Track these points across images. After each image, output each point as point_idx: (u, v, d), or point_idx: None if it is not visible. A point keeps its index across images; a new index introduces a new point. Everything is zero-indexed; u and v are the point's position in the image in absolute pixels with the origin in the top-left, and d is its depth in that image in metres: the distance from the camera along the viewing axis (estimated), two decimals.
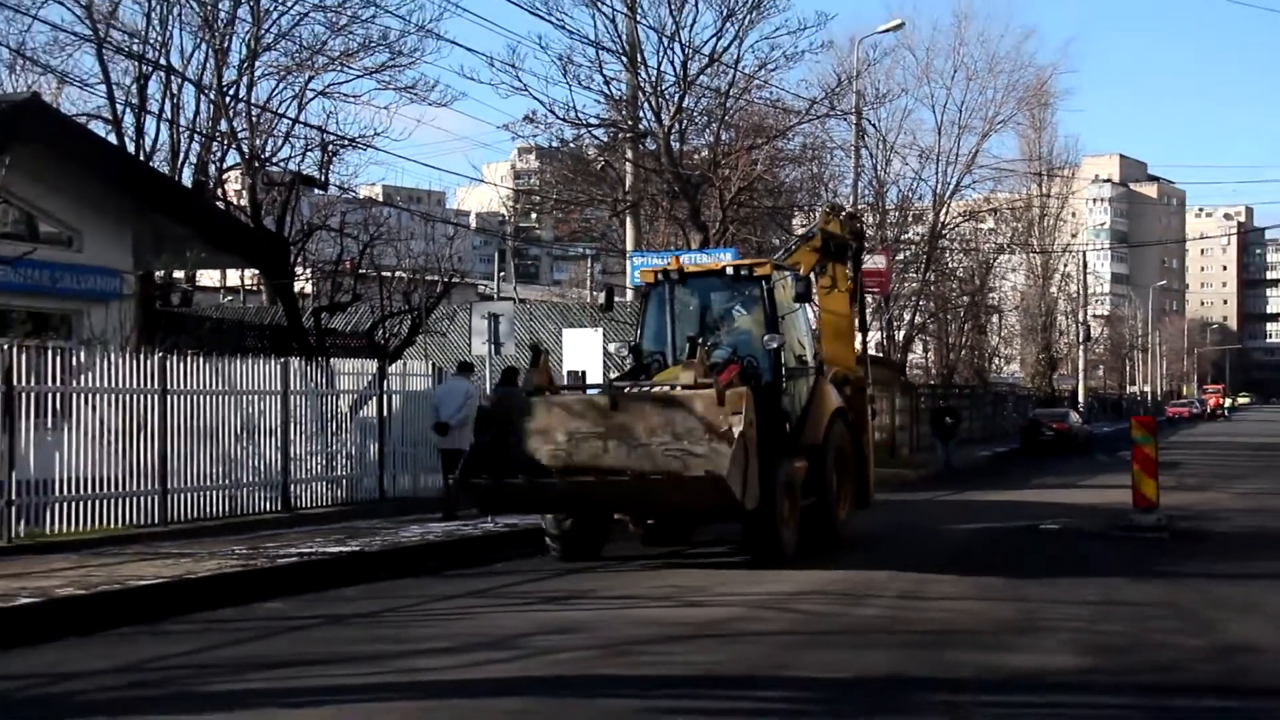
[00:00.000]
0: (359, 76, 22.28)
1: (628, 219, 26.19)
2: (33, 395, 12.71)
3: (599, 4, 23.91)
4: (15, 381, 12.38)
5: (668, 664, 7.54)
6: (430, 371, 18.49)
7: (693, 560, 12.89)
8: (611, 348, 14.03)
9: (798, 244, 15.49)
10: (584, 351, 19.66)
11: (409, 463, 17.37)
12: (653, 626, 8.72)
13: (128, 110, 20.50)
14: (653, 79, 24.82)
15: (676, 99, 24.92)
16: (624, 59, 24.40)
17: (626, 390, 11.61)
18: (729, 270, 13.28)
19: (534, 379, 11.90)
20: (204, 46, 20.46)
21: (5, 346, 12.76)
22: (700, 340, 12.26)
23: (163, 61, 20.37)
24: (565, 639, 8.52)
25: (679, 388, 11.22)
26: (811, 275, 14.66)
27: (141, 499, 13.41)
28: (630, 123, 25.30)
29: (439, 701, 6.95)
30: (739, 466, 10.37)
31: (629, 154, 25.54)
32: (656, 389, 11.62)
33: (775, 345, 12.57)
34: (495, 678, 7.54)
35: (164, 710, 6.89)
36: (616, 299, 15.49)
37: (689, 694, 6.85)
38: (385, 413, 16.98)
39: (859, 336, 16.22)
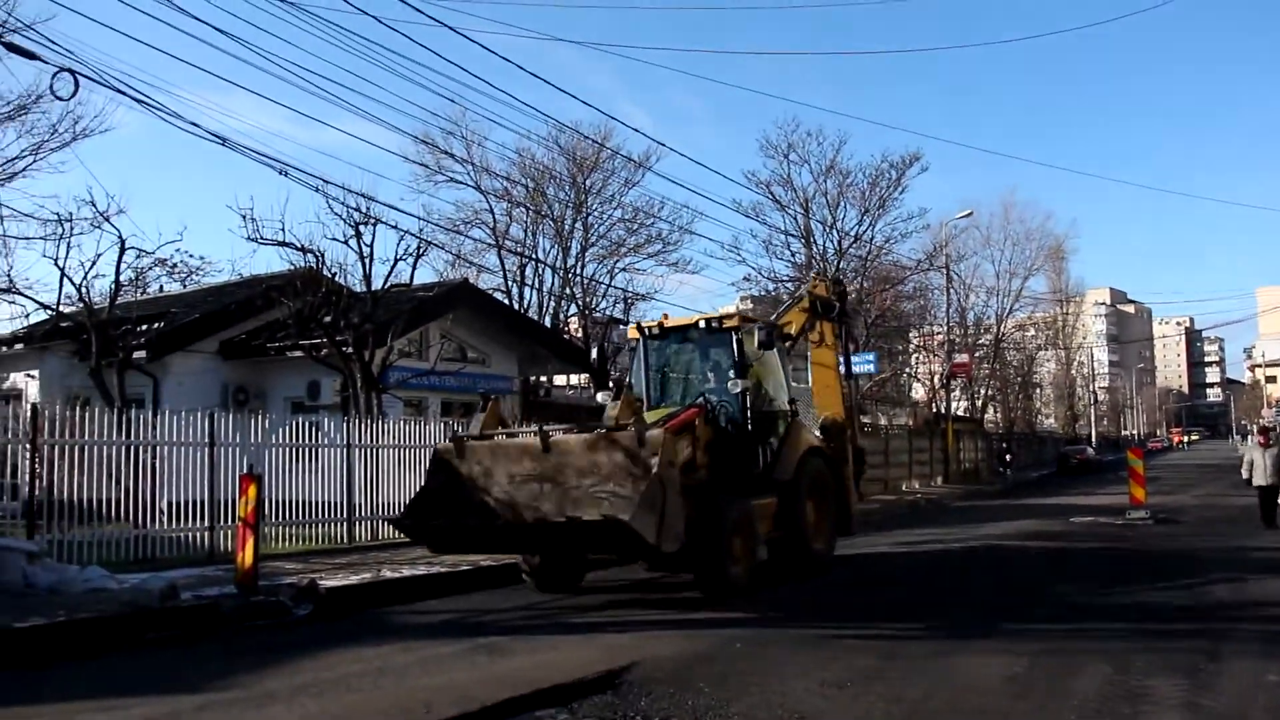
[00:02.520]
0: (645, 258, 35.94)
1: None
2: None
3: (786, 209, 37.15)
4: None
5: None
6: None
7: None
8: (601, 396, 13.43)
9: (789, 305, 15.80)
10: None
11: None
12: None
13: (514, 284, 33.51)
14: (820, 251, 37.42)
15: (835, 262, 36.69)
16: (802, 240, 37.17)
17: (552, 433, 10.45)
18: (701, 324, 13.00)
19: (482, 424, 11.23)
20: (556, 247, 33.01)
21: (448, 422, 18.54)
22: (684, 391, 13.04)
23: (532, 255, 32.68)
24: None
25: (602, 430, 10.23)
26: (797, 330, 15.01)
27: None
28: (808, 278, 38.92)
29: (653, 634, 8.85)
30: (650, 508, 9.23)
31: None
32: (582, 433, 10.56)
33: (738, 390, 12.23)
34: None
35: (551, 632, 9.29)
36: None
37: None
38: None
39: (845, 384, 16.63)
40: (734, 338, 12.73)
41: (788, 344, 14.78)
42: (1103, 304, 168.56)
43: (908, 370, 49.23)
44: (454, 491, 10.61)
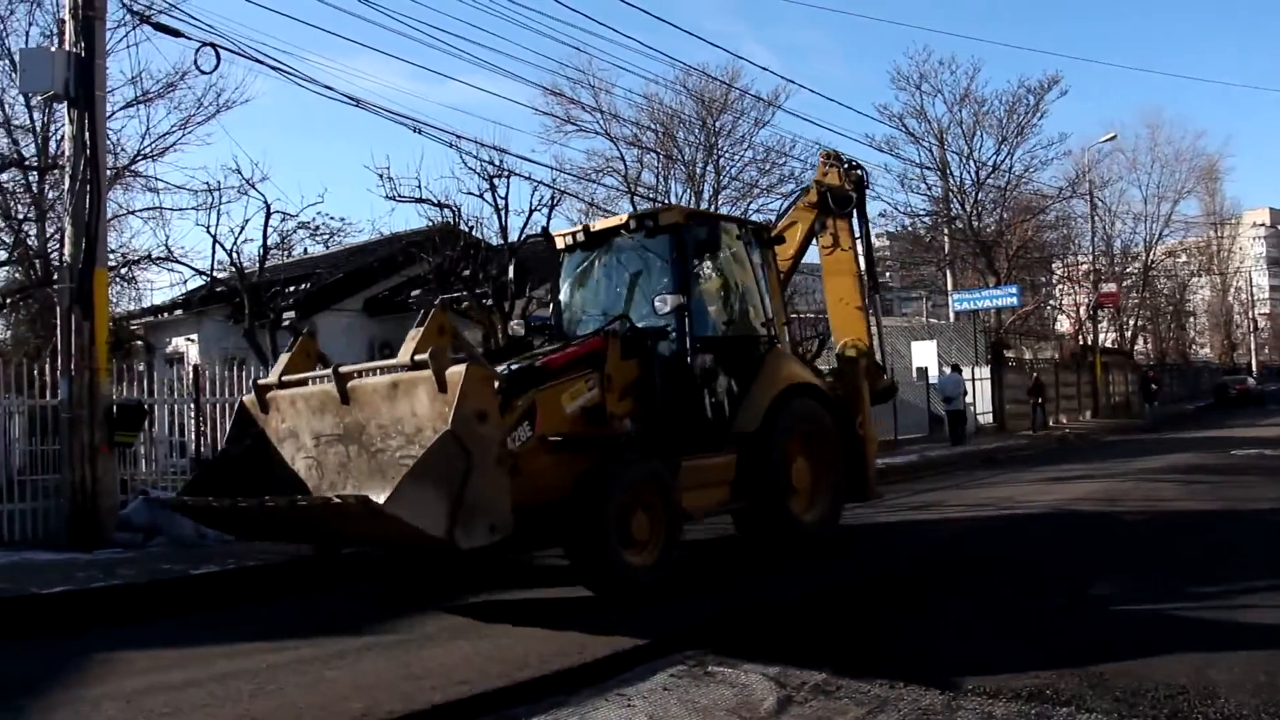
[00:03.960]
0: (779, 198, 34.19)
1: (947, 271, 38.90)
2: None
3: (920, 142, 36.06)
4: None
5: None
6: None
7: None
8: (514, 325, 11.06)
9: (794, 201, 12.73)
10: (925, 356, 29.83)
11: None
12: None
13: None
14: (957, 183, 36.51)
15: (973, 195, 35.99)
16: (937, 172, 36.30)
17: (353, 375, 7.64)
18: (631, 224, 9.98)
19: (284, 365, 8.36)
20: (688, 190, 32.70)
21: None
22: (621, 311, 9.70)
23: (664, 200, 32.42)
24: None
25: (402, 369, 7.31)
26: (803, 233, 12.21)
27: None
28: (945, 211, 37.36)
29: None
30: (427, 484, 6.30)
31: (945, 230, 37.49)
32: (385, 373, 7.61)
33: (668, 308, 9.18)
34: (883, 556, 10.52)
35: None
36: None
37: None
38: None
39: (869, 300, 12.67)
40: (673, 240, 9.62)
41: (788, 255, 12.02)
42: (1262, 225, 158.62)
43: (1052, 302, 47.71)
44: (261, 457, 8.24)
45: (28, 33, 20.13)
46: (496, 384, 7.28)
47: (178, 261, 21.82)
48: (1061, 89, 37.02)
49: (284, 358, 8.53)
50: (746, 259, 10.49)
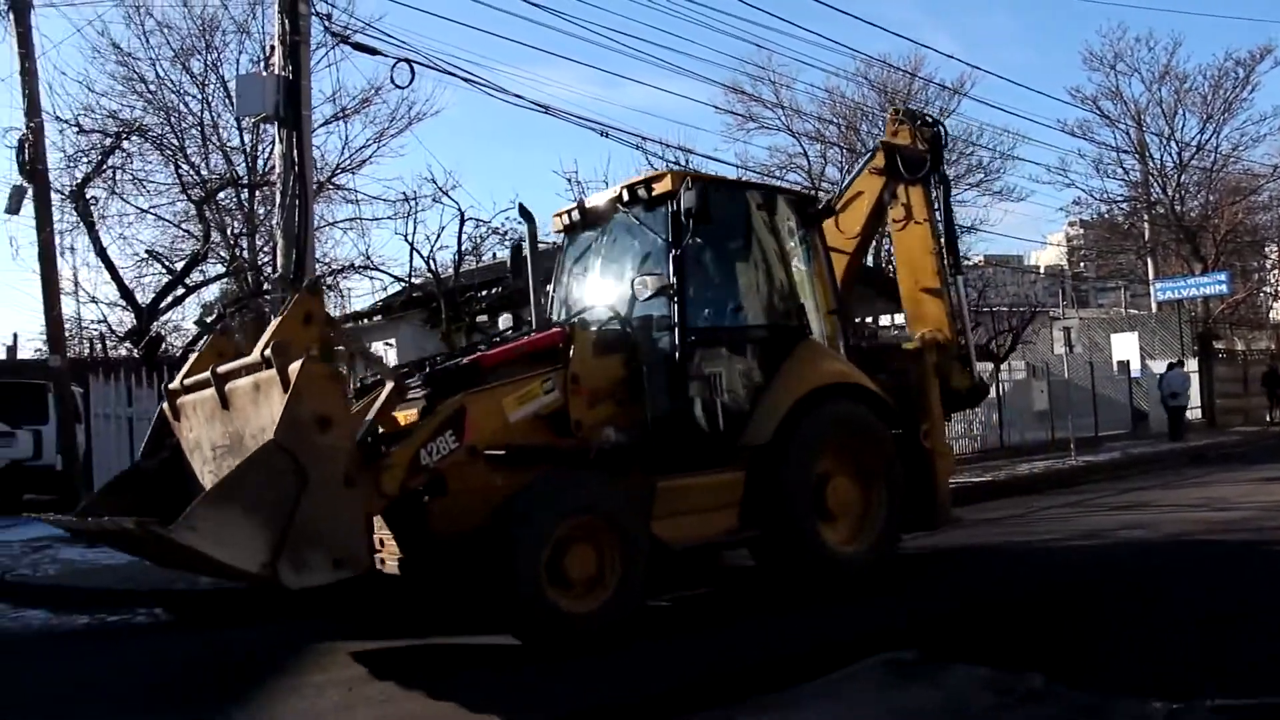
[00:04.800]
0: (967, 189, 34.61)
1: (1148, 259, 36.82)
2: None
3: (1116, 124, 34.64)
4: None
5: None
6: (1025, 369, 26.21)
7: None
8: (504, 320, 10.30)
9: (861, 168, 10.58)
10: (1127, 349, 28.48)
11: (1017, 423, 23.48)
12: None
13: None
14: (1157, 166, 34.85)
15: (1176, 177, 34.32)
16: (1135, 155, 34.60)
17: (230, 374, 6.44)
18: (625, 195, 8.41)
19: (190, 366, 7.10)
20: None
21: None
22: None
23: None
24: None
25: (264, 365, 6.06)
26: (870, 203, 10.12)
27: None
28: (1144, 196, 35.53)
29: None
30: (234, 508, 5.23)
31: (1145, 216, 35.52)
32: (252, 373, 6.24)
33: (649, 292, 7.75)
34: (1090, 556, 9.75)
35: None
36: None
37: None
38: (1000, 393, 22.32)
39: (950, 280, 10.19)
40: (668, 211, 8.02)
41: (854, 232, 10.13)
42: None
43: (1266, 289, 44.76)
44: (178, 470, 7.06)
45: (238, 61, 21.46)
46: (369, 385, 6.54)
47: (377, 269, 22.72)
48: (1275, 58, 34.62)
49: (192, 358, 7.29)
50: (771, 234, 8.83)
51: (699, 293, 8.29)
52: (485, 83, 14.77)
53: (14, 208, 15.23)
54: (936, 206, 10.42)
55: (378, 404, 6.36)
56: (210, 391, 6.60)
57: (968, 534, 11.19)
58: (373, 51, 13.50)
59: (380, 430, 6.38)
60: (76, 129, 19.22)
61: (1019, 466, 18.52)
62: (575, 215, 9.09)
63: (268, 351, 5.93)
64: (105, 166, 19.12)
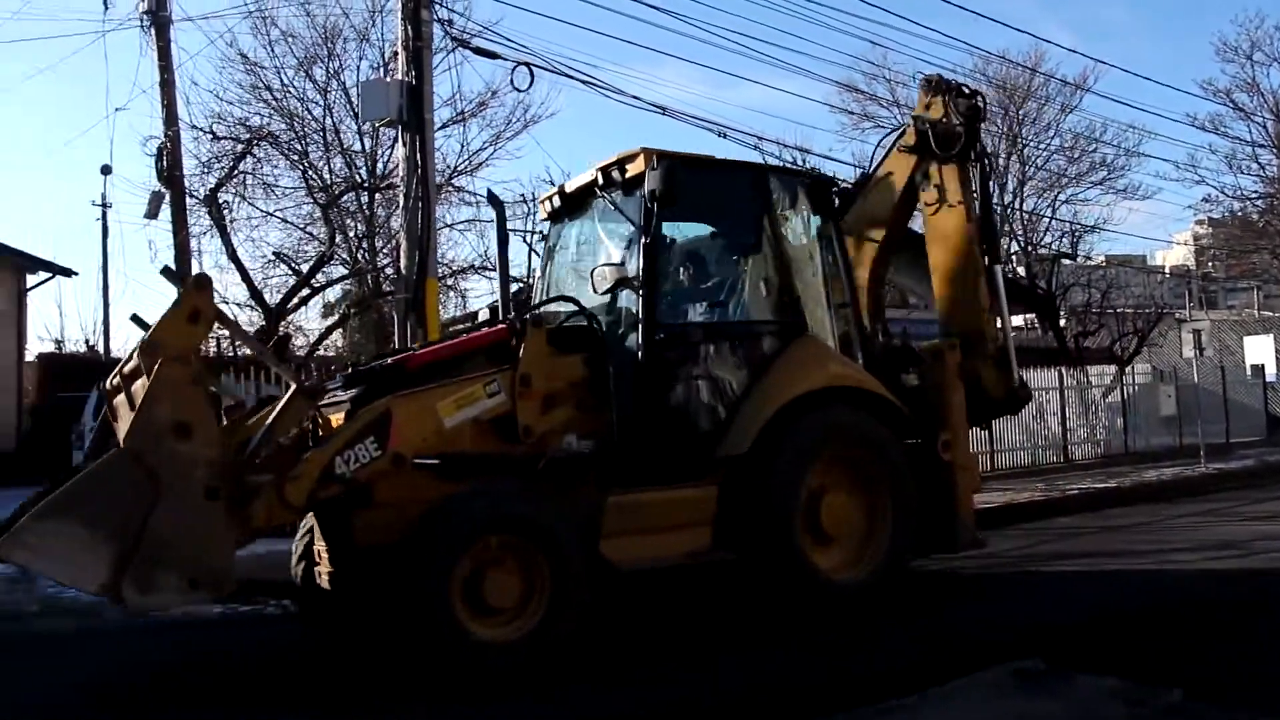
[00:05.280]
0: (1090, 187, 33.70)
1: None
2: None
3: (1251, 117, 33.45)
4: None
5: None
6: (1150, 372, 24.97)
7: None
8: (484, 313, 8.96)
9: (891, 148, 9.57)
10: (1261, 352, 27.29)
11: (1142, 429, 22.58)
12: None
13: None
14: None
15: None
16: (1274, 150, 33.22)
17: (133, 374, 5.87)
18: (600, 178, 7.63)
19: (123, 366, 6.24)
20: (991, 183, 31.59)
21: None
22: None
23: None
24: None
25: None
26: (902, 182, 9.30)
27: (978, 457, 17.95)
28: None
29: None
30: (69, 521, 4.91)
31: None
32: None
33: (607, 284, 7.24)
34: (1226, 569, 9.02)
35: (1021, 581, 8.74)
36: None
37: None
38: (1125, 397, 22.41)
39: (988, 271, 9.04)
40: (641, 194, 7.19)
41: (883, 218, 9.30)
42: None
43: None
44: None
45: (358, 67, 21.97)
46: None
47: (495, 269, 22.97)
48: None
49: (126, 354, 6.76)
50: (765, 219, 7.85)
51: (676, 285, 7.78)
52: (603, 84, 14.93)
53: (153, 213, 15.93)
54: (972, 184, 9.30)
55: (277, 409, 5.85)
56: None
57: (1094, 542, 10.91)
58: (492, 55, 13.76)
59: (283, 439, 5.89)
60: (211, 136, 19.97)
61: (1145, 473, 18.09)
62: (556, 201, 8.41)
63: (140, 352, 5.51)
64: (237, 171, 19.83)
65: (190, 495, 5.14)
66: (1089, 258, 33.28)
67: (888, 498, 7.68)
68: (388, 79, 12.79)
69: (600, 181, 7.64)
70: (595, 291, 7.26)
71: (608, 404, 6.84)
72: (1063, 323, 25.99)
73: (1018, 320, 37.11)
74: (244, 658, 7.14)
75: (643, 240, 7.11)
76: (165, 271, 6.28)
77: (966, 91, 9.51)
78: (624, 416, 6.85)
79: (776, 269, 7.81)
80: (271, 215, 21.72)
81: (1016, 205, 31.65)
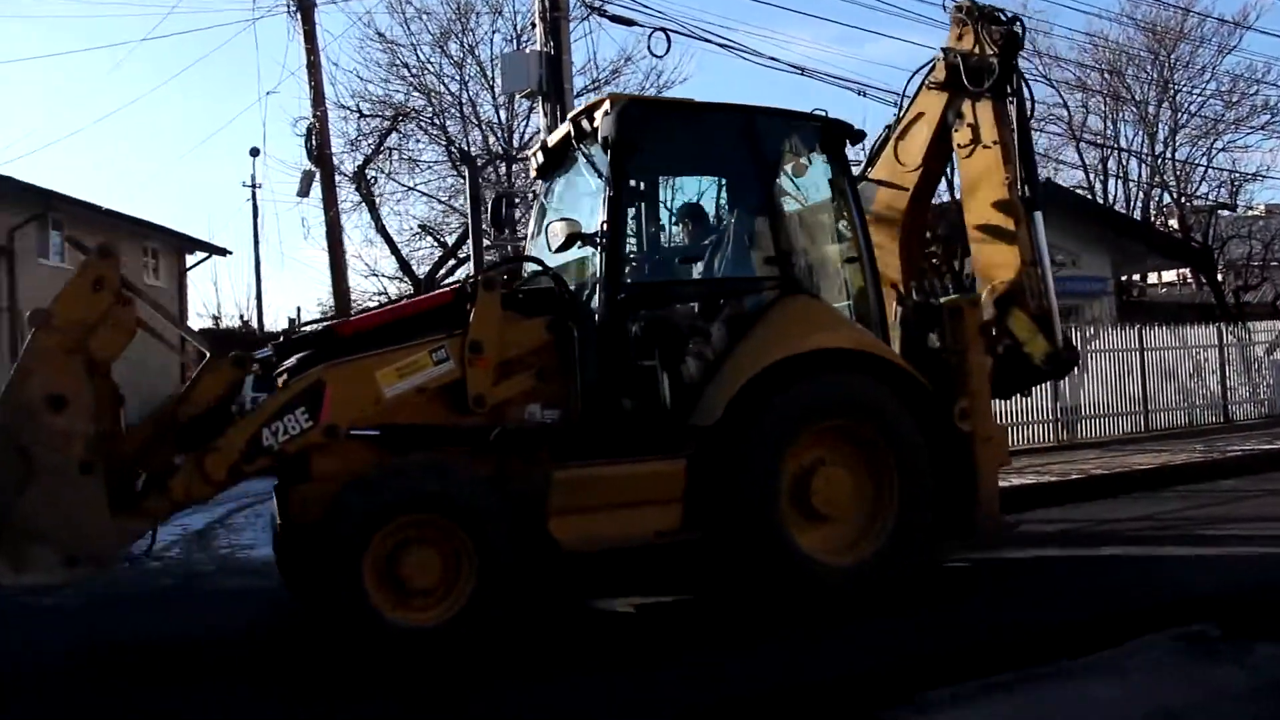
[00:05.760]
0: (1250, 132, 31.83)
1: None
2: None
3: None
4: None
5: None
6: None
7: None
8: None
9: (920, 85, 8.65)
10: None
11: None
12: None
13: (1097, 178, 32.07)
14: None
15: None
16: None
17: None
18: (572, 129, 7.02)
19: None
20: (1141, 132, 30.95)
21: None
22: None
23: (1114, 145, 31.29)
24: None
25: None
26: (933, 126, 8.44)
27: (1130, 417, 18.05)
28: None
29: None
30: None
31: None
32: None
33: (559, 240, 6.36)
34: None
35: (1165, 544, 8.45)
36: None
37: None
38: None
39: (1024, 216, 8.01)
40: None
41: (914, 164, 8.45)
42: None
43: None
44: None
45: (491, 40, 22.32)
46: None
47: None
48: None
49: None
50: (754, 166, 7.11)
51: (652, 241, 7.29)
52: (740, 46, 14.81)
53: (304, 191, 16.49)
54: (1008, 121, 8.17)
55: (191, 378, 5.68)
56: None
57: (1256, 507, 10.48)
58: (628, 22, 13.76)
59: (201, 408, 5.71)
60: (358, 114, 20.55)
61: None
62: (540, 157, 7.81)
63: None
64: (382, 148, 20.37)
65: (65, 470, 4.99)
66: (1249, 208, 31.69)
67: (894, 475, 6.74)
68: (526, 50, 12.93)
69: (574, 133, 7.01)
70: (550, 249, 6.57)
71: (573, 372, 6.35)
72: (1221, 277, 24.82)
73: (1171, 275, 35.71)
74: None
75: (607, 193, 6.45)
76: (70, 240, 5.81)
77: (1002, 19, 8.44)
78: (589, 385, 6.31)
79: (768, 222, 6.97)
80: (414, 189, 22.25)
81: (1168, 155, 30.33)
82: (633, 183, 6.95)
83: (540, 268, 6.76)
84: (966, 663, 5.31)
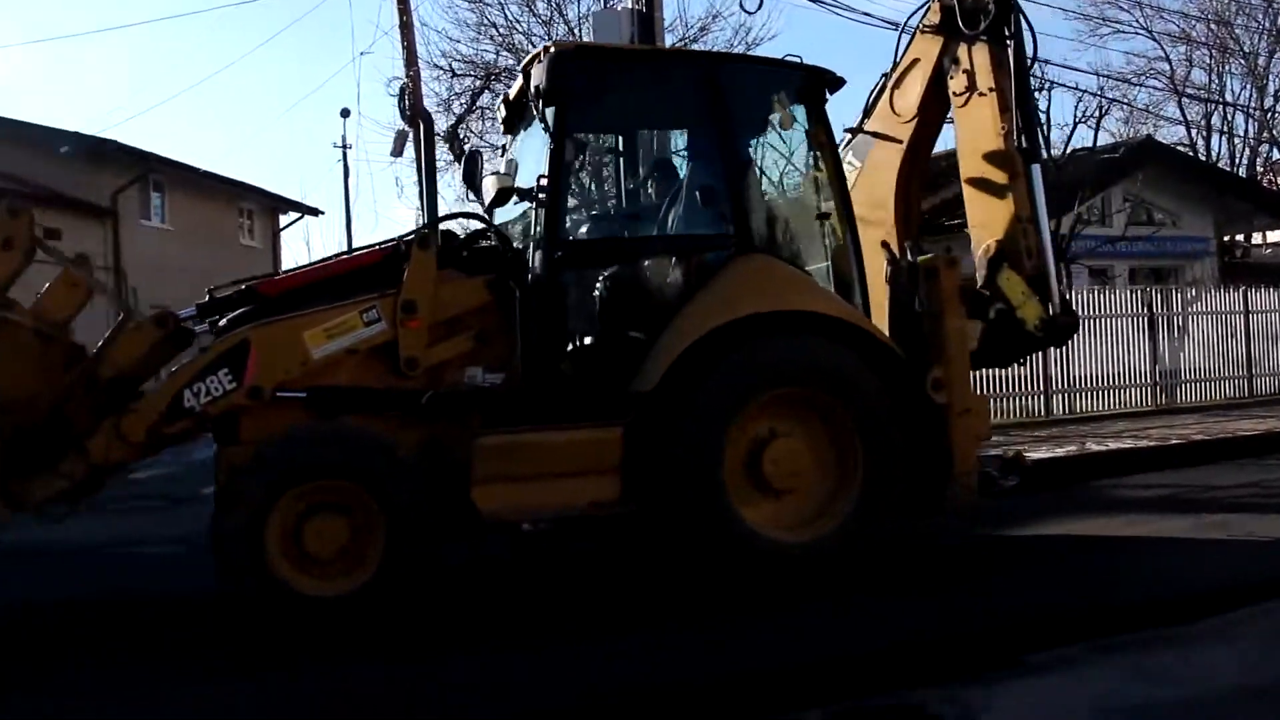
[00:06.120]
0: None
1: None
2: (1162, 319, 17.07)
3: None
4: (1153, 310, 16.92)
5: None
6: None
7: None
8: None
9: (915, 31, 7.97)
10: None
11: None
12: None
13: (1199, 135, 31.29)
14: None
15: None
16: None
17: None
18: (525, 82, 6.59)
19: None
20: (1248, 86, 29.92)
21: (1148, 289, 17.87)
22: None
23: (1220, 99, 30.51)
24: None
25: None
26: (928, 75, 7.72)
27: (1233, 381, 17.68)
28: None
29: None
30: None
31: None
32: None
33: (490, 197, 6.21)
34: None
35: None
36: None
37: None
38: None
39: (1023, 169, 7.23)
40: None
41: (909, 114, 7.77)
42: None
43: None
44: None
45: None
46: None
47: None
48: None
49: None
50: (714, 120, 6.60)
51: (597, 197, 6.84)
52: (830, 2, 14.56)
53: (398, 150, 16.67)
54: (1006, 66, 7.41)
55: (107, 337, 5.61)
56: None
57: None
58: None
59: (122, 368, 5.63)
60: (450, 74, 20.67)
61: None
62: (503, 111, 7.47)
63: None
64: (474, 107, 20.51)
65: None
66: None
67: (858, 448, 6.23)
68: (618, 7, 12.86)
69: (524, 84, 6.59)
70: (484, 206, 6.25)
71: (515, 333, 6.08)
72: None
73: (1278, 235, 34.39)
74: None
75: (549, 146, 6.13)
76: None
77: None
78: (527, 347, 6.04)
79: (727, 177, 6.53)
80: (505, 149, 22.32)
81: (1278, 109, 29.19)
82: (580, 136, 6.58)
83: (484, 224, 6.48)
84: (1074, 626, 5.27)
